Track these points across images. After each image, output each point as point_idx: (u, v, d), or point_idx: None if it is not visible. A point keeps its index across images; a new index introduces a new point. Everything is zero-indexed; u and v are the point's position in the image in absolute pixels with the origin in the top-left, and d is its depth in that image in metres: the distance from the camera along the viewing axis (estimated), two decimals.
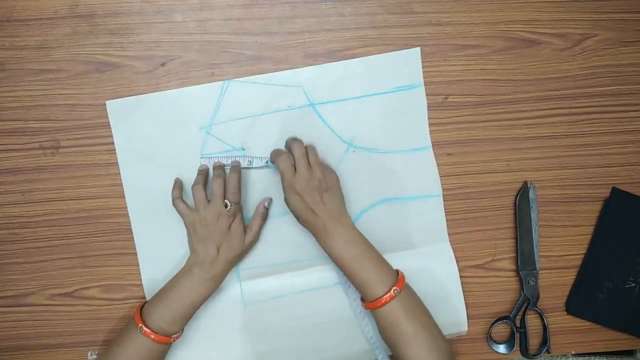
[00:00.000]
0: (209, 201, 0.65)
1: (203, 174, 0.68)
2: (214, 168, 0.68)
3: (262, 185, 0.70)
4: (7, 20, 0.67)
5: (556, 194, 0.73)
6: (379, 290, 0.62)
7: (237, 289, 0.70)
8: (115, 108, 0.68)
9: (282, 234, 0.70)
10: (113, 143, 0.69)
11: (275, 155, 0.66)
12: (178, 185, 0.68)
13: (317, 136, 0.70)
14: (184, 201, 0.66)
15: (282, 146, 0.69)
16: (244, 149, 0.70)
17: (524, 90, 0.72)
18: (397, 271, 0.65)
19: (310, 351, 0.70)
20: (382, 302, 0.61)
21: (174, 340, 0.64)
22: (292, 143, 0.66)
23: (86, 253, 0.70)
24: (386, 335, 0.63)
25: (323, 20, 0.70)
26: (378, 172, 0.71)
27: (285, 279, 0.70)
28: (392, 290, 0.61)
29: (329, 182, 0.64)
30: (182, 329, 0.65)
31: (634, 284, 0.72)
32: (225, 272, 0.66)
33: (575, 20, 0.71)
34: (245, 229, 0.67)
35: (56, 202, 0.69)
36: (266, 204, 0.69)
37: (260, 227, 0.69)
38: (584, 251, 0.73)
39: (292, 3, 0.69)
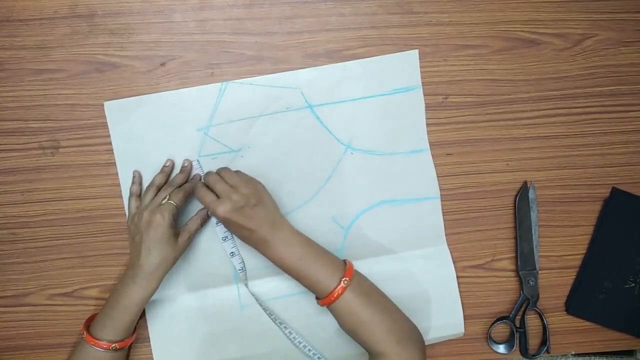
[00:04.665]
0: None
1: (165, 172, 0.68)
2: (180, 171, 0.68)
3: None
4: (6, 20, 0.67)
5: (556, 194, 0.73)
6: (329, 284, 0.61)
7: (234, 290, 0.70)
8: (113, 109, 0.68)
9: None
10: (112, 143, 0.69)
11: (195, 191, 0.64)
12: (137, 181, 0.69)
13: (314, 138, 0.70)
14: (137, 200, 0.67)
15: (279, 148, 0.69)
16: (241, 149, 0.70)
17: (524, 90, 0.72)
18: (344, 261, 0.64)
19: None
20: (335, 295, 0.61)
21: (115, 348, 0.62)
22: (205, 177, 0.65)
23: (86, 253, 0.70)
24: (345, 326, 0.62)
25: (323, 21, 0.70)
26: (376, 174, 0.71)
27: (283, 281, 0.70)
28: (342, 282, 0.61)
29: (255, 195, 0.63)
30: (128, 335, 0.64)
31: (633, 284, 0.72)
32: (156, 272, 0.62)
33: (575, 20, 0.71)
34: (174, 230, 0.64)
35: (56, 202, 0.69)
36: (210, 212, 0.68)
37: (197, 230, 0.67)
38: (584, 251, 0.73)
39: (292, 3, 0.69)
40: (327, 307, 0.63)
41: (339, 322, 0.63)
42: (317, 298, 0.64)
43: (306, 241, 0.64)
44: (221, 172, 0.65)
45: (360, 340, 0.62)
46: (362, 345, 0.62)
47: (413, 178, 0.71)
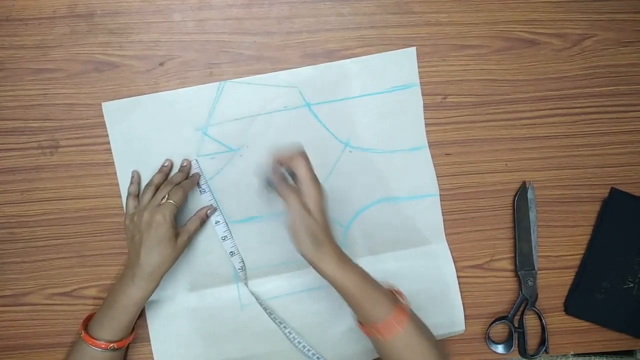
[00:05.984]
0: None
1: (163, 171, 0.68)
2: (179, 170, 0.68)
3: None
4: (6, 19, 0.68)
5: (555, 194, 0.73)
6: (387, 310, 0.57)
7: (234, 290, 0.70)
8: (111, 110, 0.68)
9: (279, 235, 0.69)
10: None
11: (283, 193, 0.59)
12: (135, 180, 0.68)
13: (313, 137, 0.70)
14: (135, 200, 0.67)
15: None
16: (240, 149, 0.69)
17: (523, 90, 0.72)
18: (390, 290, 0.61)
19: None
20: (398, 322, 0.57)
21: (114, 348, 0.62)
22: (293, 163, 0.58)
23: (85, 252, 0.70)
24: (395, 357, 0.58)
25: (322, 20, 0.70)
26: (375, 172, 0.71)
27: (283, 280, 0.70)
28: (406, 309, 0.58)
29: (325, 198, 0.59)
30: (128, 335, 0.64)
31: (632, 285, 0.72)
32: (155, 272, 0.62)
33: (574, 20, 0.71)
34: (175, 230, 0.63)
35: (55, 202, 0.69)
36: (209, 212, 0.68)
37: (196, 230, 0.67)
38: (583, 251, 0.73)
39: (290, 3, 0.69)
40: (376, 336, 0.58)
41: (383, 354, 0.59)
42: (359, 323, 0.60)
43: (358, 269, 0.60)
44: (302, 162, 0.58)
45: None
46: None
47: (412, 175, 0.71)
